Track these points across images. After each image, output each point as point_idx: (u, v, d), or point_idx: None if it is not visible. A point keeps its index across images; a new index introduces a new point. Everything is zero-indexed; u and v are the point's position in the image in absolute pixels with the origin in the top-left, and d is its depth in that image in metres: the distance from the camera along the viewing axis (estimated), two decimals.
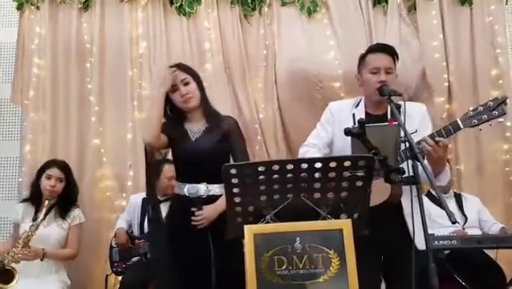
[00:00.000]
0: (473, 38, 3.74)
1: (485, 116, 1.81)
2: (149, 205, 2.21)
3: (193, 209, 1.97)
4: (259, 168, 1.46)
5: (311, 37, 3.71)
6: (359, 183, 1.47)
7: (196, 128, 2.15)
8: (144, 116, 2.13)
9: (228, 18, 3.76)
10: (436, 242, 2.66)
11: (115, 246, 3.19)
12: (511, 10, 3.95)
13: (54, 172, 2.96)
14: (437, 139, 1.80)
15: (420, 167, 1.66)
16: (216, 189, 2.04)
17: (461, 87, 3.65)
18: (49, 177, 2.93)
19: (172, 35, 3.76)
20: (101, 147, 3.64)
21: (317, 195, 1.49)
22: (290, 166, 1.46)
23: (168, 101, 2.13)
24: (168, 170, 3.20)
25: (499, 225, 3.06)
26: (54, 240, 2.88)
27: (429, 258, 1.54)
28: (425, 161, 1.90)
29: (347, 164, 1.44)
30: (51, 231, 2.85)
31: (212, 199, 2.03)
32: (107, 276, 3.22)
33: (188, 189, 2.04)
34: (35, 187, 2.99)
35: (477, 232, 3.06)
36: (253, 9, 3.77)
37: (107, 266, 3.24)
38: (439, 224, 3.06)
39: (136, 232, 3.20)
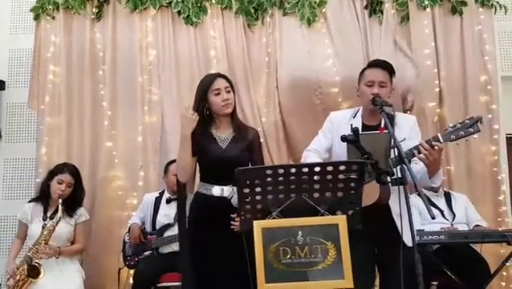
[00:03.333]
0: (463, 46, 3.95)
1: (462, 133, 2.03)
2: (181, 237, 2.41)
3: (232, 215, 2.16)
4: (267, 172, 1.69)
5: (311, 45, 3.93)
6: (353, 184, 1.70)
7: (223, 135, 2.37)
8: (177, 158, 2.35)
9: (232, 28, 3.98)
10: (425, 237, 2.89)
11: (128, 241, 3.41)
12: (499, 19, 4.17)
13: (67, 178, 3.11)
14: (433, 143, 2.01)
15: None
16: None
17: (451, 93, 3.87)
18: (61, 182, 3.08)
19: (180, 43, 3.98)
20: (113, 149, 3.87)
21: (316, 195, 1.72)
22: (293, 170, 1.69)
23: (207, 103, 2.34)
24: (174, 168, 3.45)
25: (481, 224, 3.29)
26: (65, 236, 3.09)
27: (414, 251, 1.79)
28: (414, 165, 2.13)
29: (342, 168, 1.68)
30: (61, 228, 3.04)
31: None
32: (119, 270, 3.44)
33: (215, 190, 2.27)
34: (45, 187, 3.15)
35: (465, 228, 3.30)
36: (256, 18, 4.00)
37: (119, 260, 3.46)
38: (429, 220, 3.30)
39: (149, 228, 3.41)
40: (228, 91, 2.35)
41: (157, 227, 3.38)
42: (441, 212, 3.38)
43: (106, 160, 3.84)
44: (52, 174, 3.14)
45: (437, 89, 3.86)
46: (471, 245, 3.16)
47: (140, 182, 3.81)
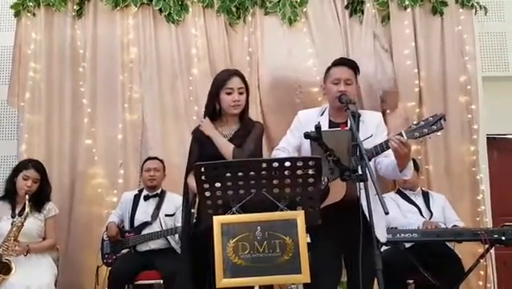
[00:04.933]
0: (444, 47, 3.98)
1: (426, 130, 2.04)
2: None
3: None
4: (226, 167, 1.70)
5: (292, 45, 3.95)
6: (311, 180, 1.71)
7: (227, 131, 2.33)
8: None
9: (214, 26, 4.00)
10: (398, 235, 2.90)
11: (106, 239, 3.39)
12: (480, 20, 4.19)
13: (32, 173, 3.06)
14: (402, 139, 1.99)
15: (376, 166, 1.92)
16: None
17: (431, 93, 3.90)
18: (26, 178, 3.04)
19: (161, 41, 3.99)
20: (93, 146, 3.87)
21: (276, 190, 1.73)
22: (252, 165, 1.70)
23: (218, 99, 2.31)
24: (148, 164, 3.50)
25: (458, 224, 3.30)
26: (35, 232, 3.07)
27: (374, 247, 1.80)
28: (383, 158, 2.14)
29: (299, 163, 1.68)
30: (31, 224, 3.01)
31: None
32: (98, 267, 3.43)
33: None
34: (10, 185, 3.11)
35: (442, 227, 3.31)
36: (238, 17, 4.01)
37: (98, 258, 3.45)
38: (408, 218, 3.33)
39: (127, 226, 3.41)
40: (241, 93, 2.30)
41: (135, 225, 3.37)
42: (419, 209, 3.40)
43: (86, 158, 3.84)
44: (17, 171, 3.11)
45: (417, 89, 3.89)
46: (446, 243, 3.18)
47: (120, 180, 3.81)
